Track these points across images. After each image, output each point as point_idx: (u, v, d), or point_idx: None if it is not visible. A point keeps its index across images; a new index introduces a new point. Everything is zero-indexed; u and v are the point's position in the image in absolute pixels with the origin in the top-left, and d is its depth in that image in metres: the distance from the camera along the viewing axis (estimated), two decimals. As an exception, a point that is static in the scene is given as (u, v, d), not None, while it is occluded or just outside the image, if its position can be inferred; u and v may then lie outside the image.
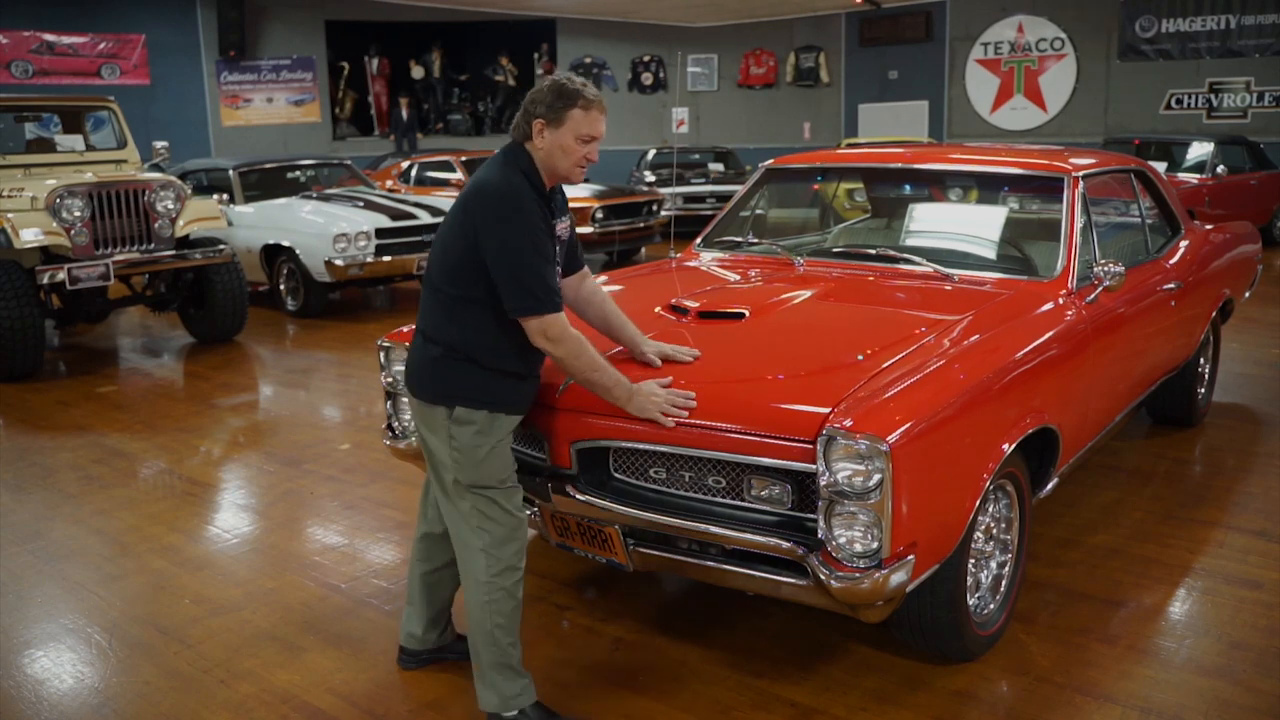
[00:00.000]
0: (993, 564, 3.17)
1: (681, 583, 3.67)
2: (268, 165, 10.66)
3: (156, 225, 7.62)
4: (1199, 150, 12.05)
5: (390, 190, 11.68)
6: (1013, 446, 2.95)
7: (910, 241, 4.31)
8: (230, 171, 10.13)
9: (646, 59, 19.72)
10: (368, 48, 19.87)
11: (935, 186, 4.70)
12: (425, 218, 9.44)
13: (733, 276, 4.00)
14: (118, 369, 7.76)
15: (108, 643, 3.38)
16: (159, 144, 9.39)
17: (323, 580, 3.82)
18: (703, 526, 2.70)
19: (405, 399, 3.43)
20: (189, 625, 3.48)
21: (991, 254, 4.08)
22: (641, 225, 11.75)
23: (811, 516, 2.60)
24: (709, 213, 12.84)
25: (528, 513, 2.84)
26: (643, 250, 12.17)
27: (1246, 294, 5.81)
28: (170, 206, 7.68)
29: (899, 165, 4.71)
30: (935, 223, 4.50)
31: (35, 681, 3.16)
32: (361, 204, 9.60)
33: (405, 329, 3.45)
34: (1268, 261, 7.98)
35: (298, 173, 10.98)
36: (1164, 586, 3.60)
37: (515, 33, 20.28)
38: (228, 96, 18.57)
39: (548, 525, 3.09)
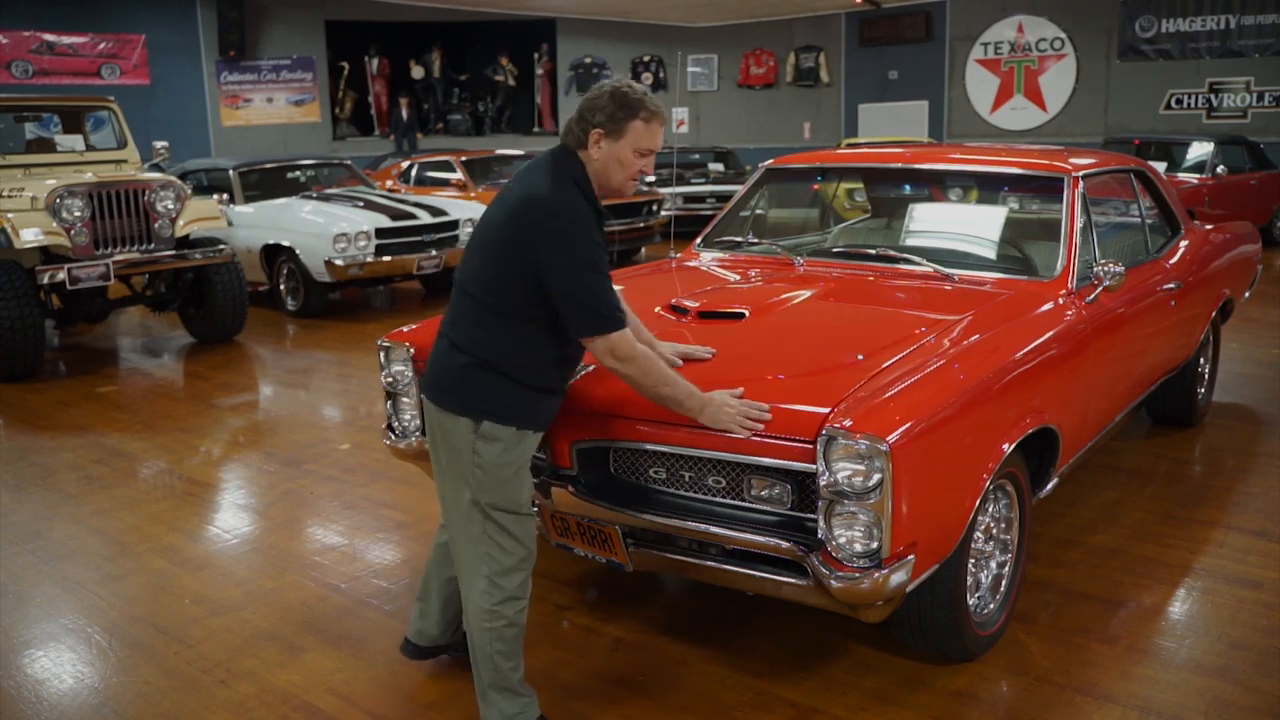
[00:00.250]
0: (993, 564, 3.17)
1: (681, 583, 3.67)
2: (268, 165, 10.67)
3: (156, 225, 7.62)
4: (1199, 150, 12.05)
5: (390, 190, 11.67)
6: (1013, 446, 2.95)
7: (910, 241, 4.31)
8: (230, 171, 10.14)
9: (646, 59, 19.72)
10: (368, 48, 19.88)
11: (935, 186, 4.70)
12: (425, 218, 9.44)
13: (733, 276, 4.00)
14: (118, 369, 7.76)
15: (108, 643, 3.38)
16: (159, 144, 9.38)
17: (323, 580, 3.82)
18: (703, 526, 2.70)
19: (405, 399, 3.42)
20: (189, 625, 3.48)
21: (991, 254, 4.08)
22: (641, 225, 11.74)
23: (811, 516, 2.60)
24: (709, 213, 12.81)
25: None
26: (643, 250, 12.16)
27: (1246, 294, 5.81)
28: (170, 206, 7.68)
29: (899, 165, 4.71)
30: (935, 223, 4.50)
31: (35, 681, 3.16)
32: (361, 204, 9.60)
33: (405, 329, 3.45)
34: (1268, 261, 7.98)
35: (298, 173, 10.99)
36: (1164, 586, 3.60)
37: (515, 33, 20.29)
38: (228, 96, 18.58)
39: (548, 525, 3.09)
